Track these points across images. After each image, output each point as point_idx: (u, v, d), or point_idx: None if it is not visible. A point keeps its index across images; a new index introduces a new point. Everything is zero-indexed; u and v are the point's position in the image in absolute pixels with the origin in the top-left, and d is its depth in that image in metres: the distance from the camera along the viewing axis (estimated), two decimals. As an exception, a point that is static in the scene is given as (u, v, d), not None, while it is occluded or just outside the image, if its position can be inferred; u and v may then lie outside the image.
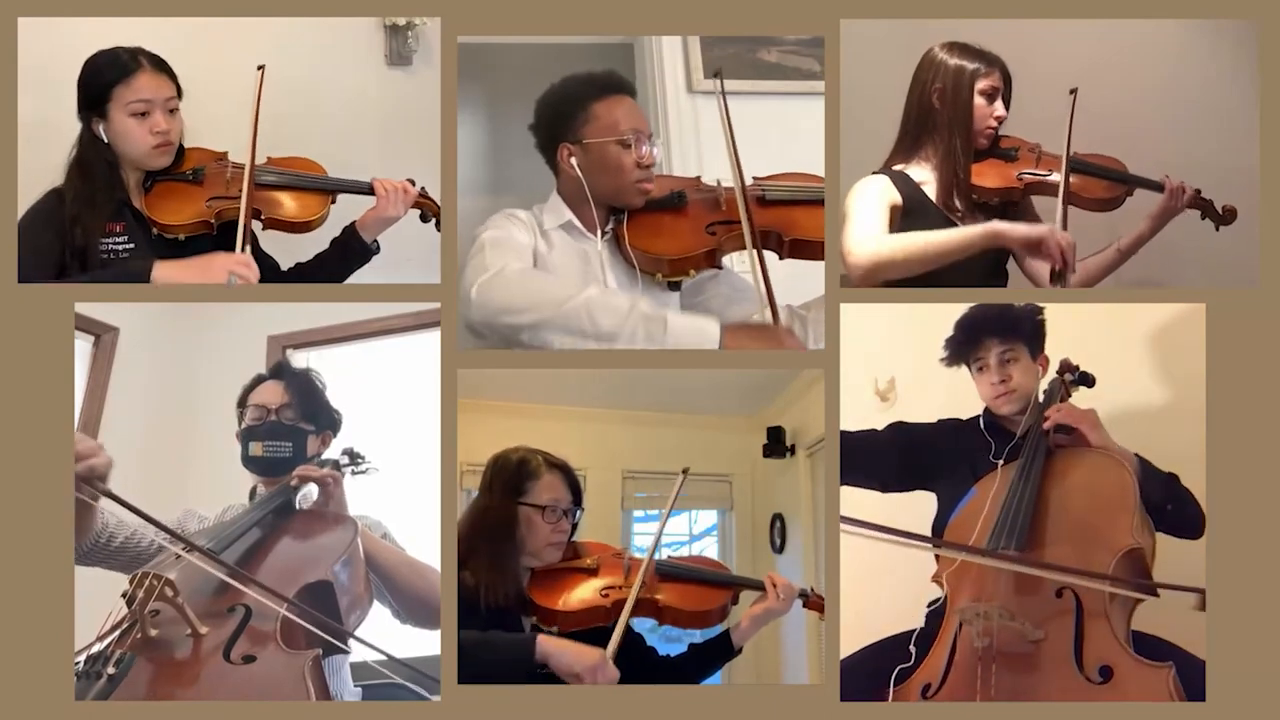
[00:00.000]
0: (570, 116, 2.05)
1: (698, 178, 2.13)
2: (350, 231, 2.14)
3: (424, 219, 2.18)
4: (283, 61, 2.59)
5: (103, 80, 2.02)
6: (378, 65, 2.76)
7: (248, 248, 2.00)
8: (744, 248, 1.95)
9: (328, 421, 2.16)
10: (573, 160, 2.04)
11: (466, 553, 1.85)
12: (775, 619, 1.92)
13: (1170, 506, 1.74)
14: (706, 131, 2.77)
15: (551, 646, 1.71)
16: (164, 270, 1.94)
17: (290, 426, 2.09)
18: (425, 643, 1.95)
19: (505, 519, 1.89)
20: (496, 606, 1.80)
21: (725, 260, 2.08)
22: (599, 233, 2.06)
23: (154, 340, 3.21)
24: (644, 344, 1.83)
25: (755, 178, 2.09)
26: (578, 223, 2.07)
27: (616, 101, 2.06)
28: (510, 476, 1.92)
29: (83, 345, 3.04)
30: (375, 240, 2.16)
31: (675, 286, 2.09)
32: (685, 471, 2.06)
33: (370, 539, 1.93)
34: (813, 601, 1.93)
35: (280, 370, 2.18)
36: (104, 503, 1.59)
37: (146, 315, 3.19)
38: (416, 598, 1.93)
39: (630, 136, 2.02)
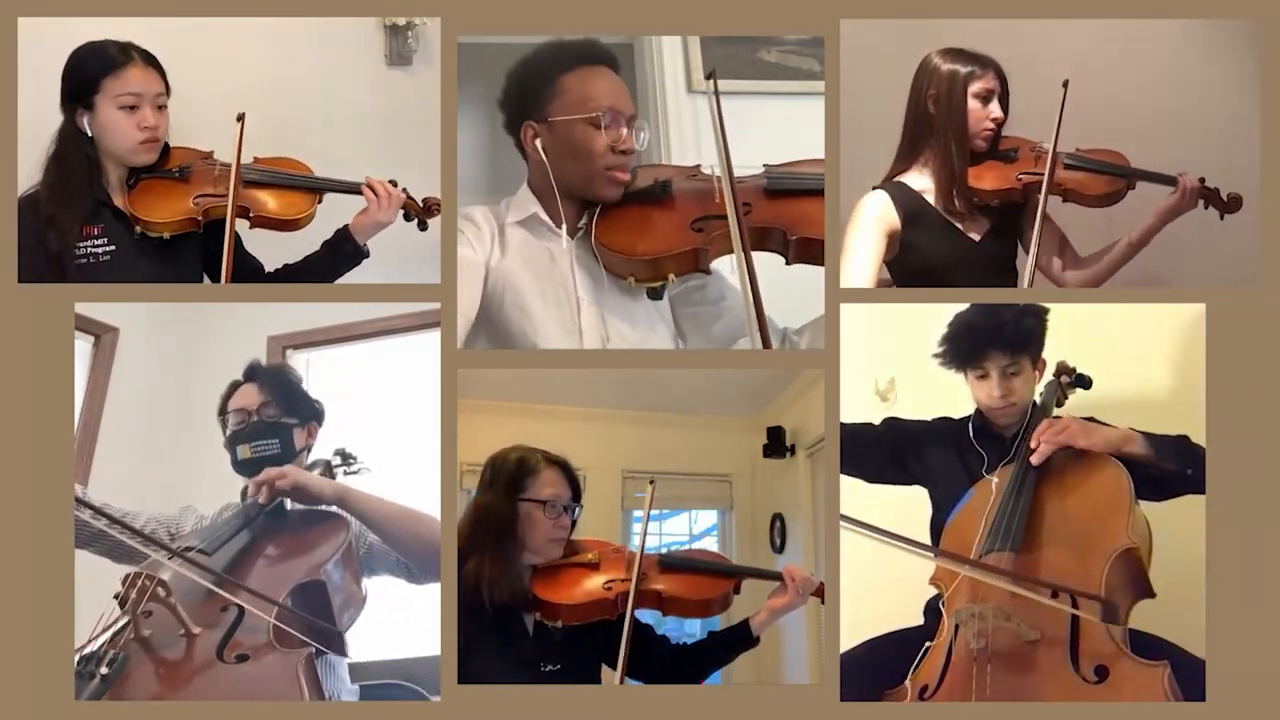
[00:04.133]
0: (537, 91, 1.82)
1: (697, 166, 1.95)
2: (344, 235, 2.10)
3: (407, 218, 2.13)
4: (282, 61, 2.61)
5: (92, 72, 1.99)
6: (378, 65, 2.75)
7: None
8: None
9: (310, 413, 2.14)
10: (537, 142, 1.81)
11: (468, 550, 1.84)
12: (792, 611, 1.90)
13: (1190, 471, 1.72)
14: (707, 132, 2.77)
15: None
16: None
17: (273, 423, 2.06)
18: (424, 643, 1.95)
19: (506, 516, 1.86)
20: (500, 604, 1.79)
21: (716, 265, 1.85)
22: (567, 228, 1.84)
23: (154, 340, 3.22)
24: None
25: (767, 165, 1.92)
26: (544, 216, 1.86)
27: (592, 74, 1.82)
28: (510, 473, 1.89)
29: (83, 345, 3.04)
30: (365, 244, 2.12)
31: (656, 295, 1.87)
32: (653, 482, 1.98)
33: (360, 495, 1.89)
34: (817, 589, 1.91)
35: (254, 372, 2.15)
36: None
37: (146, 315, 3.19)
38: (422, 546, 1.86)
39: (604, 114, 1.78)
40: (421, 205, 2.13)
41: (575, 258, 1.83)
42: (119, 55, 2.00)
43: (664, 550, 2.06)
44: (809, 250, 1.81)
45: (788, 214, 1.82)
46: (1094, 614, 1.51)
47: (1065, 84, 2.08)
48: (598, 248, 1.81)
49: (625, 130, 1.81)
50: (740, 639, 1.93)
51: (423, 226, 2.14)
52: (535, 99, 1.81)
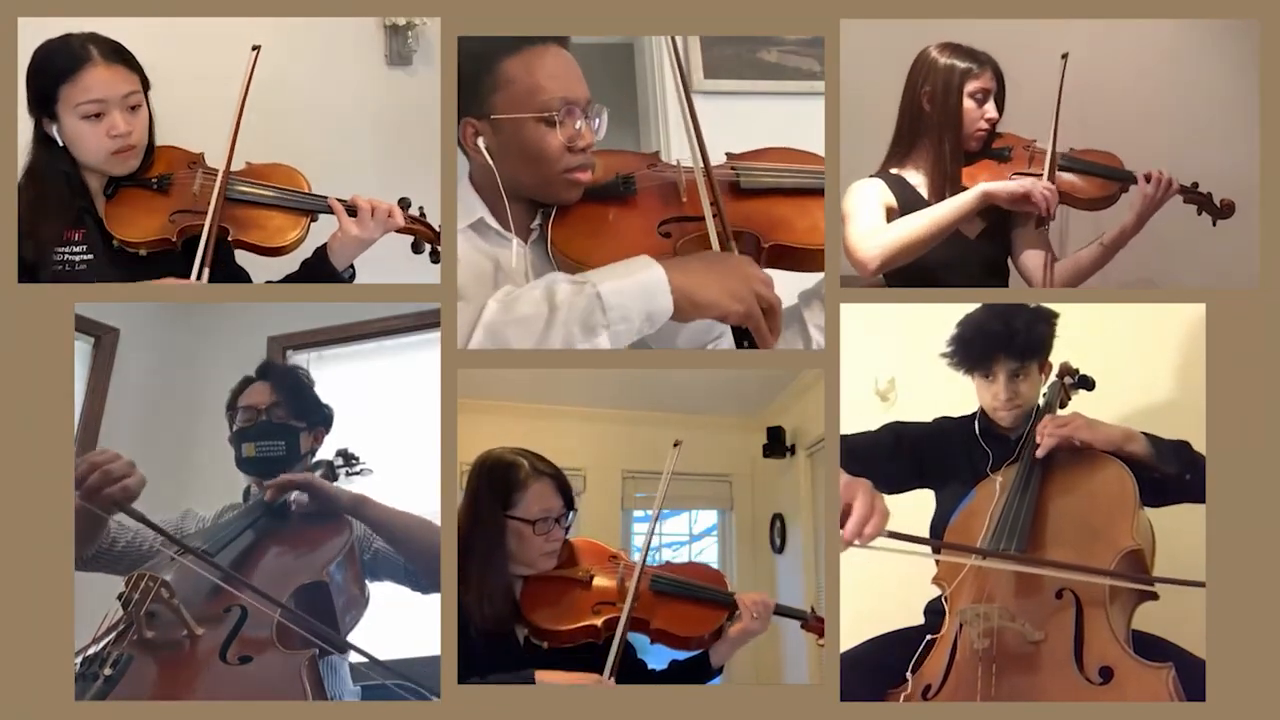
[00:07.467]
0: (475, 80, 1.55)
1: (656, 153, 1.73)
2: (319, 256, 1.96)
3: (416, 249, 2.00)
4: (282, 61, 2.60)
5: (50, 77, 1.80)
6: (378, 65, 2.76)
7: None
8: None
9: (319, 418, 2.12)
10: (479, 141, 1.55)
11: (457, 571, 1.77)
12: (754, 638, 1.84)
13: (1189, 476, 1.72)
14: (707, 132, 2.77)
15: (550, 679, 1.62)
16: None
17: (281, 425, 2.02)
18: (425, 644, 1.94)
19: (493, 533, 1.77)
20: (488, 623, 1.74)
21: None
22: (523, 231, 1.62)
23: (154, 340, 3.21)
24: (584, 338, 1.42)
25: (729, 154, 1.72)
26: (492, 220, 1.63)
27: (539, 55, 1.54)
28: (498, 487, 1.79)
29: (83, 345, 3.04)
30: (351, 268, 1.99)
31: None
32: (677, 443, 1.87)
33: (378, 506, 1.86)
34: (812, 625, 1.89)
35: (267, 370, 2.11)
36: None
37: (146, 315, 3.19)
38: (435, 558, 1.78)
39: (558, 109, 1.52)
40: (435, 231, 1.95)
41: (529, 265, 1.61)
42: (78, 54, 1.81)
43: (661, 550, 2.03)
44: (782, 257, 1.63)
45: (760, 217, 1.63)
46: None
47: (1064, 56, 2.09)
48: (554, 255, 1.59)
49: (583, 123, 1.55)
50: (699, 671, 1.86)
51: (435, 258, 1.98)
52: (473, 91, 1.55)
